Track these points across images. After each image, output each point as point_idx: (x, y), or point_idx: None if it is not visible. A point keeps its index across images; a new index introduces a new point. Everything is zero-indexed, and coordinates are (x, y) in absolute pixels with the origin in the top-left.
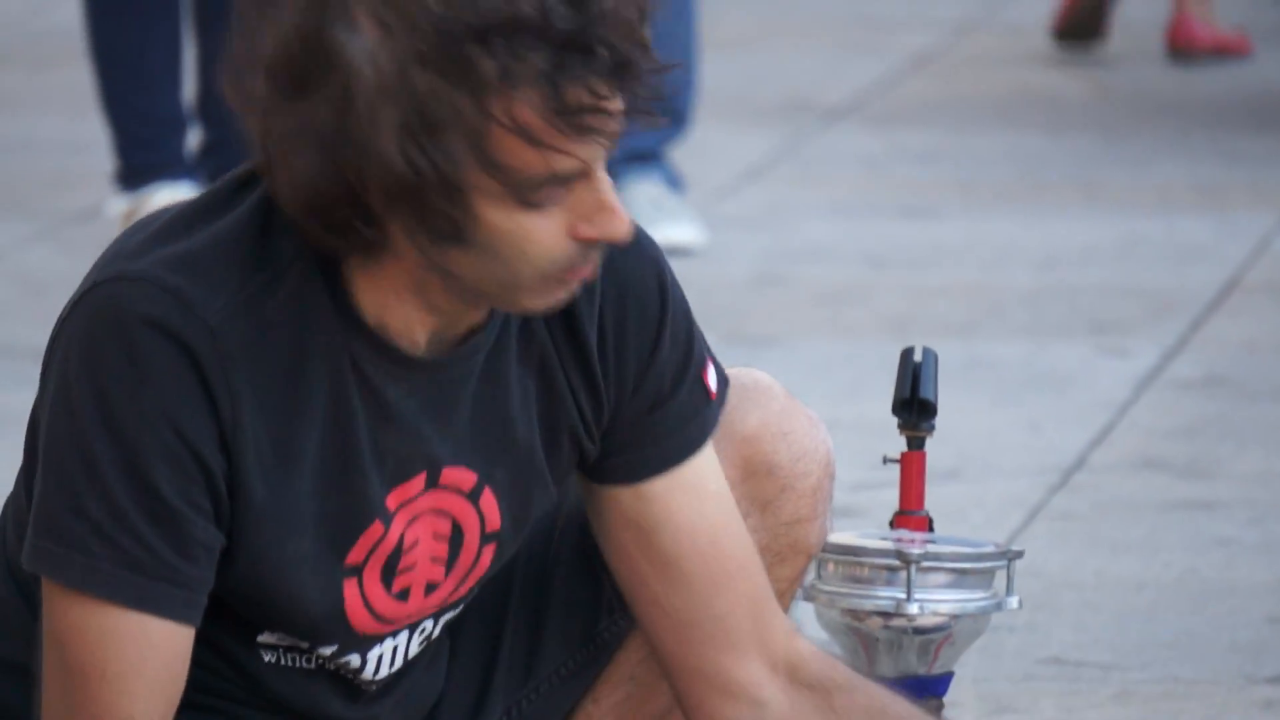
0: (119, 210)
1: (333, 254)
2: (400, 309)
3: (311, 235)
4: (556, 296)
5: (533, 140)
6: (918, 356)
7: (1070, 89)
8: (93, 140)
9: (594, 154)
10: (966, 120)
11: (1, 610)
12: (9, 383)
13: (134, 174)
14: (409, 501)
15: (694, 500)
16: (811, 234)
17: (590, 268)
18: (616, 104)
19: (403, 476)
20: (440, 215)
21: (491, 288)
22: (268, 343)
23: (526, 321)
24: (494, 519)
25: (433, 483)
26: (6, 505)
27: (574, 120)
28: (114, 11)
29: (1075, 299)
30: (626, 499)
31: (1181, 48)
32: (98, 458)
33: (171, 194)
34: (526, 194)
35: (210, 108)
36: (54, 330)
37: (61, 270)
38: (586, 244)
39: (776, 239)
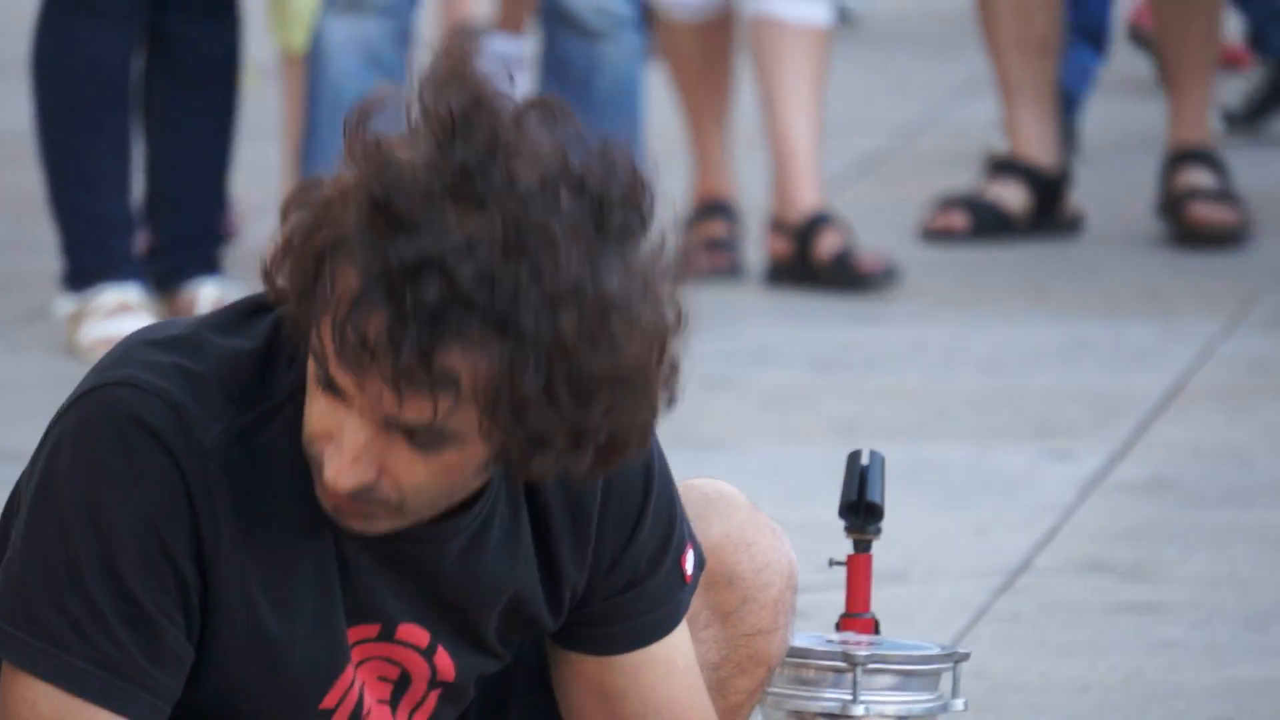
0: (66, 311)
1: None
2: None
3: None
4: (324, 502)
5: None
6: (865, 460)
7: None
8: (40, 241)
9: (364, 391)
10: (912, 224)
11: None
12: None
13: (81, 275)
14: (360, 643)
15: (662, 676)
16: (758, 337)
17: (330, 498)
18: (386, 369)
19: (358, 620)
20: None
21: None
22: (256, 476)
23: (528, 494)
24: (447, 673)
25: (388, 635)
26: None
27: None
28: (63, 113)
29: (1021, 403)
30: (592, 666)
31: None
32: (81, 557)
33: (119, 295)
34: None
35: (158, 209)
36: (51, 423)
37: (7, 370)
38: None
39: (724, 342)
